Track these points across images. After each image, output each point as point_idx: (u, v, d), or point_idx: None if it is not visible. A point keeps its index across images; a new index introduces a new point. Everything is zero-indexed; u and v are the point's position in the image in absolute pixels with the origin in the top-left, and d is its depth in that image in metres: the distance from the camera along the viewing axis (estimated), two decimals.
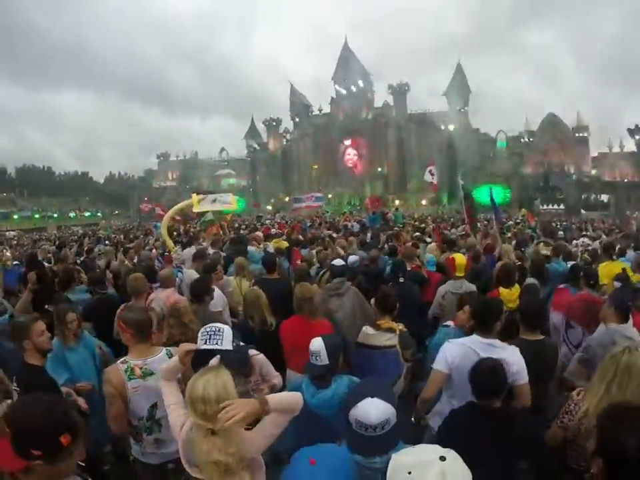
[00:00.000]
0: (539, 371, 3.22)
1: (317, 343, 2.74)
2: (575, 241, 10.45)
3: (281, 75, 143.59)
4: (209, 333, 2.28)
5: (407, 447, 1.88)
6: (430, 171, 13.78)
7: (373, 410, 1.77)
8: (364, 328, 3.91)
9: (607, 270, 5.83)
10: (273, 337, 4.07)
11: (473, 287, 5.18)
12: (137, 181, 75.49)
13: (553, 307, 5.08)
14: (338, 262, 5.22)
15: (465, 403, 2.77)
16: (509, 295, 4.84)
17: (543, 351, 3.43)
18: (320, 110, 63.64)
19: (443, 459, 1.40)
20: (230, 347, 2.28)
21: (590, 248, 8.86)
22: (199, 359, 2.22)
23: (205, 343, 2.27)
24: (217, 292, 4.93)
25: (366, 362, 3.73)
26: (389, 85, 60.58)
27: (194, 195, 8.82)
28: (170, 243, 8.82)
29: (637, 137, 50.68)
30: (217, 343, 2.24)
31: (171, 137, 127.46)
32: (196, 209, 8.88)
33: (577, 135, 54.49)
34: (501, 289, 4.92)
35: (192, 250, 7.93)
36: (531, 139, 55.83)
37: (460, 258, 5.70)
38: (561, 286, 5.42)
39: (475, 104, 58.92)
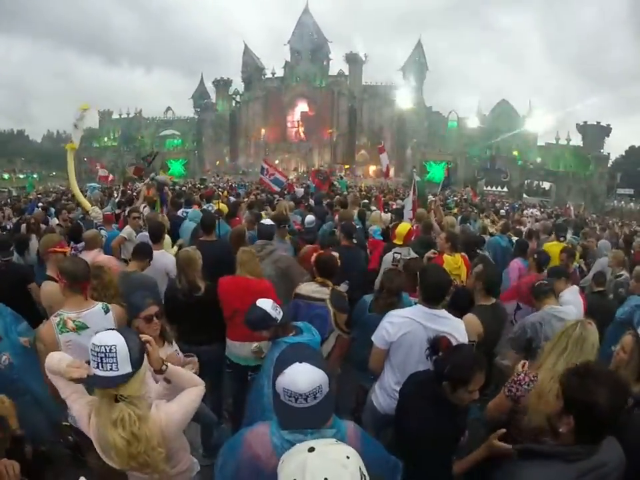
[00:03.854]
0: (495, 330, 3.65)
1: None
2: (525, 211, 11.44)
3: (235, 33, 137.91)
4: (99, 355, 1.88)
5: (345, 423, 1.84)
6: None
7: (302, 376, 1.63)
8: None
9: (554, 250, 6.09)
10: (201, 303, 3.80)
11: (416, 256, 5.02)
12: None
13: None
14: (267, 221, 4.98)
15: (406, 375, 2.71)
16: (453, 262, 4.95)
17: (498, 312, 3.82)
18: (273, 73, 61.52)
19: (311, 449, 1.30)
20: (129, 369, 1.92)
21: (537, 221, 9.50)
22: (93, 384, 1.99)
23: (98, 368, 1.91)
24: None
25: (291, 311, 3.51)
26: (346, 54, 59.39)
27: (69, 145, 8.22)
28: (87, 203, 8.32)
29: (584, 133, 52.20)
30: (111, 369, 1.88)
31: (113, 90, 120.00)
32: (74, 147, 8.18)
33: (526, 123, 55.11)
34: (445, 256, 5.00)
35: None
36: (481, 122, 56.38)
37: (403, 226, 5.51)
38: (516, 260, 5.87)
39: (431, 81, 59.01)
